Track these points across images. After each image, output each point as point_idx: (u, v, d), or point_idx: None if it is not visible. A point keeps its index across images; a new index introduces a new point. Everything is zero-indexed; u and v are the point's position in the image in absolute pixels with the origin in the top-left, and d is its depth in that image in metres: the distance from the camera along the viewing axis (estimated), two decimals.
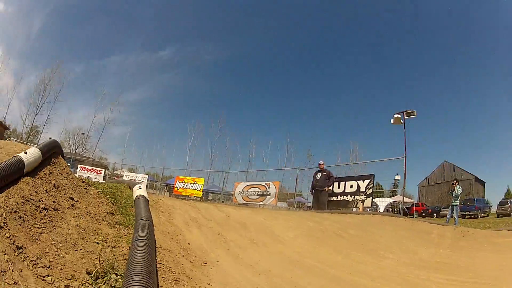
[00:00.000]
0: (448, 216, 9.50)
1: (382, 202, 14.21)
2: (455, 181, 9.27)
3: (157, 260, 2.24)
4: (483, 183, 37.84)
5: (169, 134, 57.75)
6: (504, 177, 43.79)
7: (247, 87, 56.73)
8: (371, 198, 8.57)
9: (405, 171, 8.17)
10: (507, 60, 41.79)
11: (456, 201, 9.04)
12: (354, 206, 8.71)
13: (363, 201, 8.61)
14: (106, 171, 22.14)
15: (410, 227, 6.77)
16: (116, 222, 2.68)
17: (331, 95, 53.66)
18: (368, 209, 8.56)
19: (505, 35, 43.81)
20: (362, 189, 8.67)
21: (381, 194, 13.31)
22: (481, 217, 21.02)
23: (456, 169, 37.91)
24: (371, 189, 8.51)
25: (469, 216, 20.77)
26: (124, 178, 16.46)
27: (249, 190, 12.03)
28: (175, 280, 2.16)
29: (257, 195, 11.73)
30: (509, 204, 21.28)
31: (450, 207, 9.45)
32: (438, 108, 49.47)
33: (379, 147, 43.66)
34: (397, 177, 8.90)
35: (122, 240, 2.40)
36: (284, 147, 34.49)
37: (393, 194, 34.75)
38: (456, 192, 9.00)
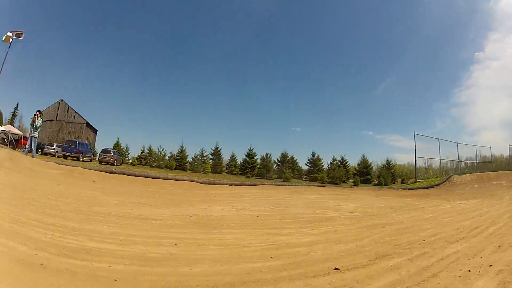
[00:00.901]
0: (27, 147, 8.96)
1: None
2: (37, 113, 8.98)
3: None
4: (95, 130, 38.31)
5: None
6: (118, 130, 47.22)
7: None
8: None
9: None
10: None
11: (35, 132, 8.82)
12: None
13: None
14: None
15: None
16: None
17: None
18: None
19: None
20: None
21: None
22: (83, 160, 21.21)
23: (70, 110, 36.26)
24: None
25: (71, 158, 20.59)
26: None
27: None
28: None
29: None
30: (112, 154, 21.64)
31: (29, 138, 8.87)
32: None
33: None
34: None
35: None
36: None
37: (11, 123, 30.59)
38: (36, 124, 8.84)
